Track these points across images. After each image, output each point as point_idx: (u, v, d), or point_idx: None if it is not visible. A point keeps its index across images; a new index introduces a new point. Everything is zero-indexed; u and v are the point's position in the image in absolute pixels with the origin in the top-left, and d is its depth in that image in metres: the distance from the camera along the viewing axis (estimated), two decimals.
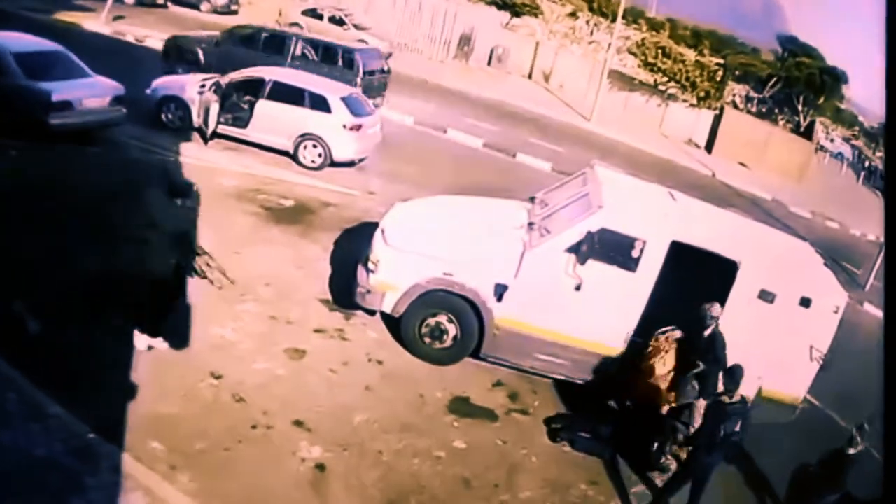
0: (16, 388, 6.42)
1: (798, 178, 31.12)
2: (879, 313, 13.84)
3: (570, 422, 8.45)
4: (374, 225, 9.57)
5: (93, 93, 12.33)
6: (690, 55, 33.65)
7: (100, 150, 12.48)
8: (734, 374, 6.96)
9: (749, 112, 35.03)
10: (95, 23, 22.12)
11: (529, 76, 33.66)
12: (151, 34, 22.10)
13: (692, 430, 7.53)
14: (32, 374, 6.57)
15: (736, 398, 6.89)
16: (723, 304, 8.24)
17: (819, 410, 9.96)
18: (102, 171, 11.77)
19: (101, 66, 13.06)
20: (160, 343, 7.57)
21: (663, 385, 8.07)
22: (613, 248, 8.33)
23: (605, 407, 8.99)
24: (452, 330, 8.82)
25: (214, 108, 13.78)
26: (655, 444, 7.97)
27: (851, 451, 7.19)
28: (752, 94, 35.85)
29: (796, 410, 8.80)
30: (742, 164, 30.54)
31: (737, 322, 8.20)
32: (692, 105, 32.52)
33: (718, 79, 33.32)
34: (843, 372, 8.96)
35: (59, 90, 11.62)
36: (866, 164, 42.33)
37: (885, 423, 4.75)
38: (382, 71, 19.80)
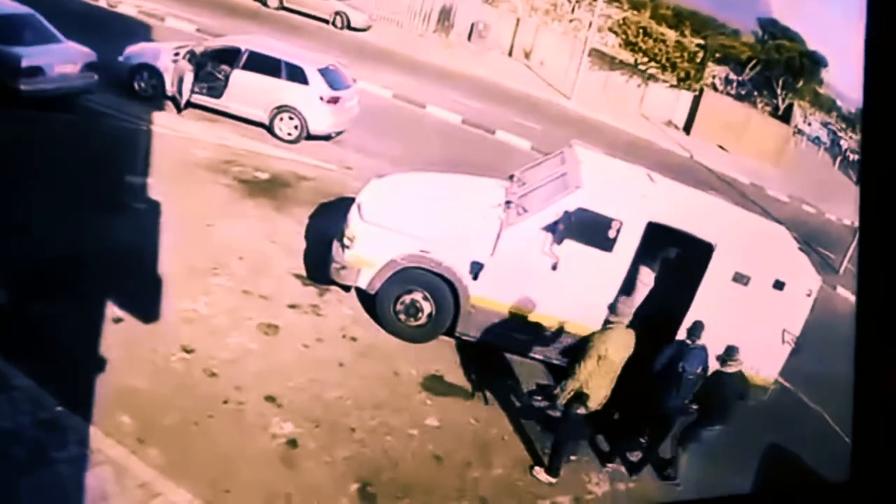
0: None
1: (775, 161, 31.29)
2: (852, 297, 14.03)
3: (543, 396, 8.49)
4: (351, 200, 9.49)
5: (64, 59, 12.04)
6: (671, 35, 33.55)
7: (71, 118, 12.23)
8: (696, 329, 7.53)
9: (728, 94, 35.09)
10: None
11: (510, 53, 33.45)
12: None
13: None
14: None
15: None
16: (697, 286, 8.31)
17: (790, 393, 10.06)
18: (73, 139, 11.56)
19: (73, 32, 12.76)
20: None
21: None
22: (590, 228, 8.31)
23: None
24: (427, 307, 8.78)
25: (188, 78, 13.51)
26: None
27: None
28: (732, 76, 35.86)
29: (768, 392, 8.88)
30: (721, 147, 30.65)
31: (711, 304, 8.26)
32: (672, 86, 32.52)
33: (698, 60, 33.31)
34: (815, 355, 9.05)
35: (30, 55, 11.34)
36: (843, 148, 42.64)
37: (854, 406, 4.79)
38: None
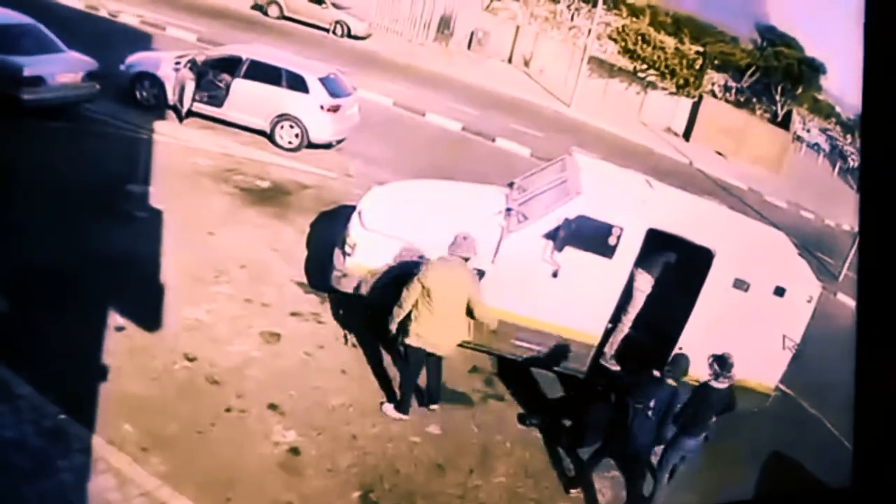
0: None
1: (774, 167, 31.34)
2: (852, 303, 14.03)
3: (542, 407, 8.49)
4: (351, 208, 9.49)
5: (66, 68, 12.09)
6: (670, 43, 33.66)
7: (72, 127, 12.26)
8: (680, 363, 6.97)
9: (727, 101, 35.17)
10: None
11: (509, 60, 33.53)
12: (125, 8, 21.72)
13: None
14: (1, 353, 6.47)
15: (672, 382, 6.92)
16: (698, 293, 8.32)
17: (791, 399, 10.06)
18: (74, 148, 11.59)
19: (74, 41, 12.81)
20: None
21: None
22: (591, 235, 8.31)
23: (579, 394, 9.03)
24: None
25: (190, 86, 13.55)
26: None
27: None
28: (731, 83, 35.97)
29: (769, 399, 8.88)
30: (719, 154, 30.70)
31: (711, 310, 8.27)
32: (671, 93, 32.59)
33: (697, 67, 33.40)
34: (815, 361, 9.05)
35: (32, 65, 11.39)
36: (842, 154, 42.71)
37: (854, 413, 4.80)
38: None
